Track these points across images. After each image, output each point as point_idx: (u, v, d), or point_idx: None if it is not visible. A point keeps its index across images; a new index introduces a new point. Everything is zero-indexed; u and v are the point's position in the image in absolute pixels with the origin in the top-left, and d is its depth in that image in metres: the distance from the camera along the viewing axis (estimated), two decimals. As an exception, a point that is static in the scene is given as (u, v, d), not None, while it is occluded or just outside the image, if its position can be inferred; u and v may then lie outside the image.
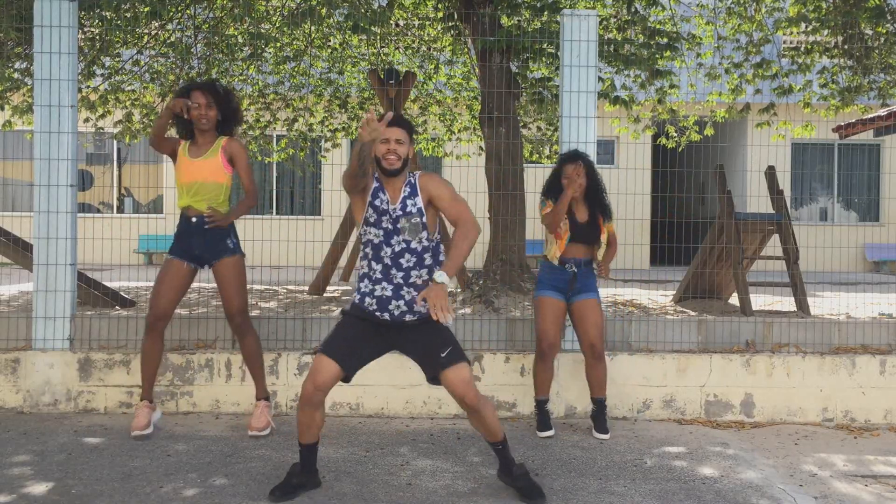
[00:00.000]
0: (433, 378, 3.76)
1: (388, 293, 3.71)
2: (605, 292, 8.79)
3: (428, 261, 3.74)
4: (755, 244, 7.24)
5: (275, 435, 4.79)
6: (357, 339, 3.75)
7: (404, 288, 3.70)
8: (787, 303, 7.27)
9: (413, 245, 3.71)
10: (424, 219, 3.73)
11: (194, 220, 4.72)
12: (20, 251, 6.66)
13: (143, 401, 4.80)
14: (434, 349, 3.70)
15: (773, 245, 7.09)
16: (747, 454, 4.61)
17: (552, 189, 4.92)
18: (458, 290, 7.96)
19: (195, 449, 4.50)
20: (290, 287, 8.72)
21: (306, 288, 8.43)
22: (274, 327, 5.50)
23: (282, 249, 5.96)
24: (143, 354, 4.77)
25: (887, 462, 4.56)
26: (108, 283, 7.19)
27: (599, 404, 4.96)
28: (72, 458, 4.30)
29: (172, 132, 5.03)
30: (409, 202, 3.73)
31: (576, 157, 4.89)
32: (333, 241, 8.44)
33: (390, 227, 3.72)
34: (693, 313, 6.48)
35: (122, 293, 7.14)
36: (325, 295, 8.08)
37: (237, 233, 4.85)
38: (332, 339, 3.74)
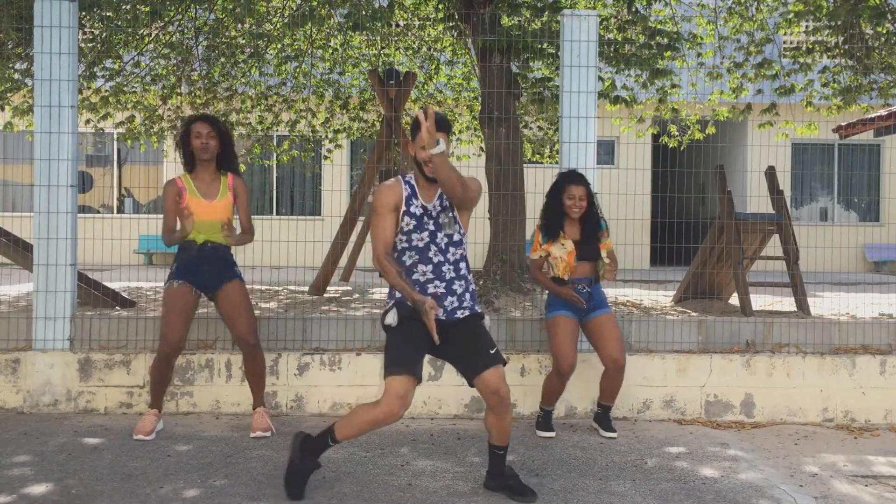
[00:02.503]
0: (472, 379, 3.73)
1: (442, 289, 3.74)
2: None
3: (465, 253, 3.85)
4: (755, 244, 7.23)
5: (275, 436, 4.79)
6: (415, 342, 3.70)
7: (456, 282, 3.77)
8: (787, 303, 7.26)
9: (455, 237, 3.79)
10: (456, 213, 3.80)
11: (209, 245, 4.74)
12: (20, 251, 6.66)
13: (152, 409, 4.82)
14: (483, 346, 3.73)
15: (773, 245, 7.08)
16: (747, 454, 4.61)
17: (554, 216, 4.84)
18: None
19: (195, 449, 4.50)
20: (291, 287, 8.71)
21: (306, 288, 8.42)
22: (274, 327, 5.50)
23: (282, 249, 5.97)
24: (153, 375, 4.78)
25: (888, 462, 4.56)
26: (108, 283, 7.18)
27: (605, 409, 4.98)
28: (72, 458, 4.30)
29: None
30: (445, 197, 3.78)
31: (580, 178, 4.83)
32: (333, 241, 8.43)
33: (433, 227, 3.75)
34: (693, 313, 6.48)
35: (122, 293, 7.13)
36: (325, 295, 8.07)
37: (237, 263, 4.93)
38: (398, 355, 3.67)
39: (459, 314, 3.78)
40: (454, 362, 3.85)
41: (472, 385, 3.77)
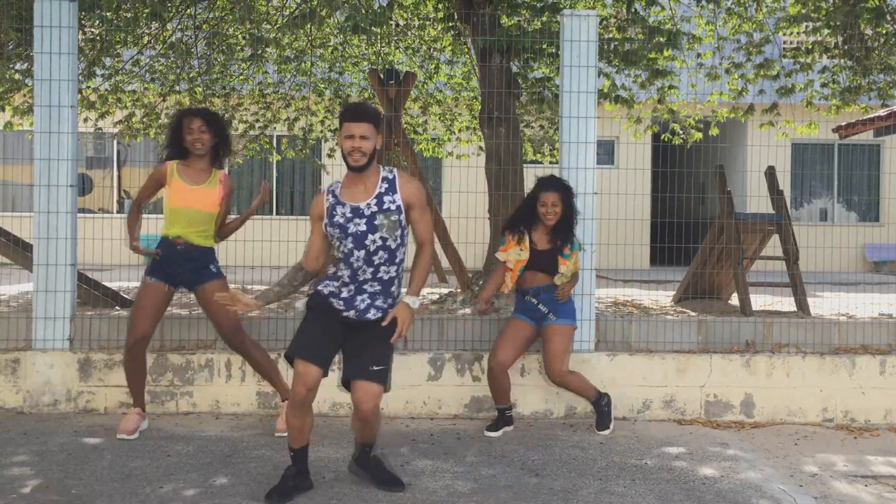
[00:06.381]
0: (346, 382, 3.78)
1: (353, 291, 3.76)
2: (606, 292, 8.78)
3: (399, 257, 3.80)
4: (755, 244, 7.23)
5: (275, 436, 4.79)
6: (324, 335, 3.77)
7: (369, 283, 3.75)
8: (787, 303, 7.26)
9: (388, 242, 3.74)
10: (402, 217, 3.76)
11: (180, 247, 4.71)
12: (20, 251, 6.65)
13: (134, 407, 4.82)
14: (369, 359, 3.72)
15: (773, 245, 7.08)
16: (747, 454, 4.61)
17: (522, 219, 4.85)
18: (458, 290, 7.96)
19: (195, 449, 4.50)
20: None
21: (306, 288, 8.42)
22: (274, 327, 5.49)
23: (282, 249, 5.96)
24: (127, 372, 4.79)
25: (887, 462, 4.56)
26: (108, 283, 7.18)
27: (594, 404, 4.99)
28: (72, 458, 4.30)
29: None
30: (386, 199, 3.75)
31: (553, 185, 4.81)
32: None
33: (364, 227, 3.71)
34: (693, 313, 6.48)
35: (122, 293, 7.13)
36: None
37: (217, 259, 4.89)
38: (303, 342, 3.76)
39: (368, 315, 3.76)
40: (343, 357, 3.87)
41: (343, 385, 3.81)
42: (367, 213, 3.72)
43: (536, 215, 4.82)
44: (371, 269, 3.74)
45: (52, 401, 5.24)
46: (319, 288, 3.83)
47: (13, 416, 5.15)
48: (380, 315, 3.78)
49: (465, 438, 4.82)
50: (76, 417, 5.13)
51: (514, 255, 4.86)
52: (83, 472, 4.10)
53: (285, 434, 4.69)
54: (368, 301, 3.76)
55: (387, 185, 3.78)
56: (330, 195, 3.79)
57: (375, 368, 3.70)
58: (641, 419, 5.29)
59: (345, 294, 3.77)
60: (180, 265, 4.72)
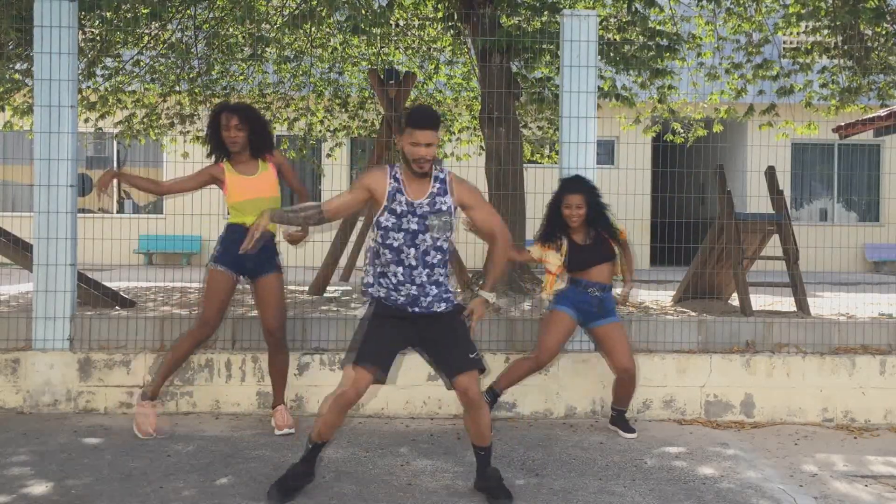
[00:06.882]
0: (451, 378, 3.75)
1: (414, 292, 3.71)
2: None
3: (447, 258, 3.80)
4: (755, 244, 7.23)
5: (275, 436, 4.79)
6: (387, 341, 3.74)
7: (428, 286, 3.72)
8: (787, 303, 7.26)
9: (440, 243, 3.72)
10: (454, 219, 3.76)
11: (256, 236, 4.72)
12: (20, 251, 6.66)
13: (152, 400, 4.77)
14: (462, 348, 3.75)
15: (773, 245, 7.08)
16: (747, 454, 4.61)
17: (556, 227, 4.78)
18: (458, 290, 7.96)
19: (195, 449, 4.50)
20: (291, 287, 8.71)
21: (306, 288, 8.42)
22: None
23: (281, 249, 5.96)
24: (174, 362, 4.74)
25: (887, 462, 4.56)
26: (108, 283, 7.18)
27: (620, 412, 4.99)
28: (72, 458, 4.30)
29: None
30: (439, 199, 3.72)
31: (577, 186, 4.76)
32: (333, 241, 8.44)
33: (415, 226, 3.69)
34: (693, 313, 6.48)
35: (122, 293, 7.14)
36: (325, 295, 8.08)
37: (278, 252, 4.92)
38: (367, 347, 3.71)
39: (437, 308, 3.75)
40: (433, 359, 3.85)
41: (450, 387, 3.78)
42: (419, 212, 3.69)
43: (563, 220, 4.75)
44: (427, 271, 3.70)
45: (52, 401, 5.25)
46: (371, 292, 3.78)
47: (13, 416, 5.15)
48: (451, 307, 3.77)
49: (465, 438, 4.80)
50: (76, 417, 5.14)
51: (554, 258, 4.79)
52: (83, 472, 4.10)
53: (285, 432, 4.72)
54: (433, 298, 3.73)
55: (439, 186, 3.74)
56: (393, 179, 3.72)
57: (473, 357, 3.74)
58: (641, 419, 5.29)
59: (404, 292, 3.71)
60: (255, 252, 4.73)
